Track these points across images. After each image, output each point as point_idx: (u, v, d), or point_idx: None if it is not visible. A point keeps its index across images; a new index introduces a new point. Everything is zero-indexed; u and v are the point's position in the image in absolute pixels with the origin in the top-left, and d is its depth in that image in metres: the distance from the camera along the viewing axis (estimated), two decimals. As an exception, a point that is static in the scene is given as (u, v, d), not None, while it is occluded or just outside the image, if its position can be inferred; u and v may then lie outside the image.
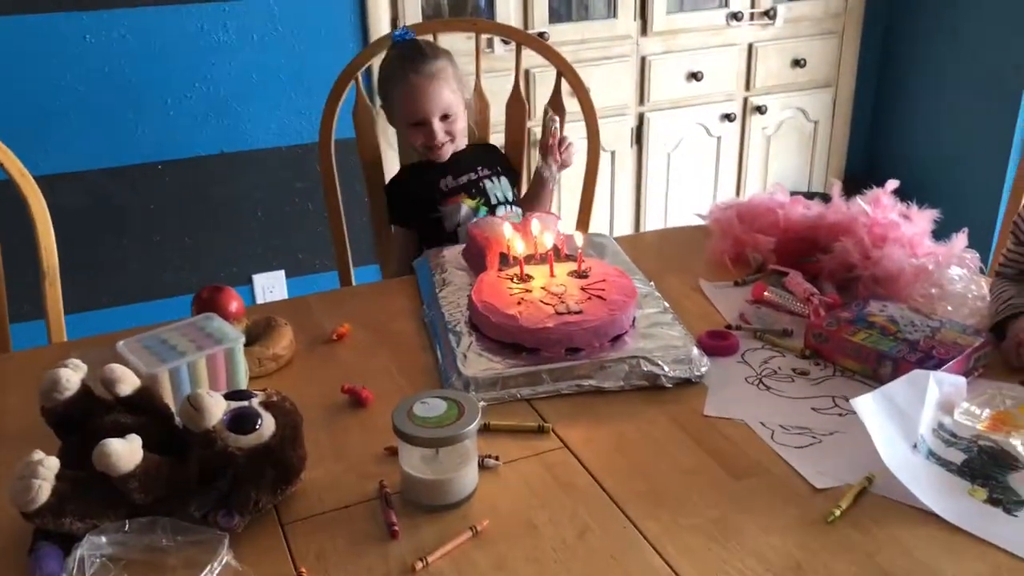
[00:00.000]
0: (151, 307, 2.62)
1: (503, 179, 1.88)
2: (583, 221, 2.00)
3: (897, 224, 1.46)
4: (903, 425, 1.08)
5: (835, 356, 1.28)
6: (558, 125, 1.81)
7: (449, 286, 1.46)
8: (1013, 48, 2.87)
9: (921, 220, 1.50)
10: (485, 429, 1.13)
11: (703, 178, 3.23)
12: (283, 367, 1.30)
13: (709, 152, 3.20)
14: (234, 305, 1.39)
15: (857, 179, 3.36)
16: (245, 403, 1.01)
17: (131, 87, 2.44)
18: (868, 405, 1.07)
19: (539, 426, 1.14)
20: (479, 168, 1.86)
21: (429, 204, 1.82)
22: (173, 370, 1.13)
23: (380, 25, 2.59)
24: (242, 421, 0.99)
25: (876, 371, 1.24)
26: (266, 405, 1.02)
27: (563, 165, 1.85)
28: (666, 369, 1.23)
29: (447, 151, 1.83)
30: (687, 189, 3.19)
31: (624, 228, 3.14)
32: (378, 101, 1.91)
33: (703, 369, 1.25)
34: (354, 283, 2.00)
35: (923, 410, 1.11)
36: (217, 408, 0.98)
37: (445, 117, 1.79)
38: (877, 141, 3.50)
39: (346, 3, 2.56)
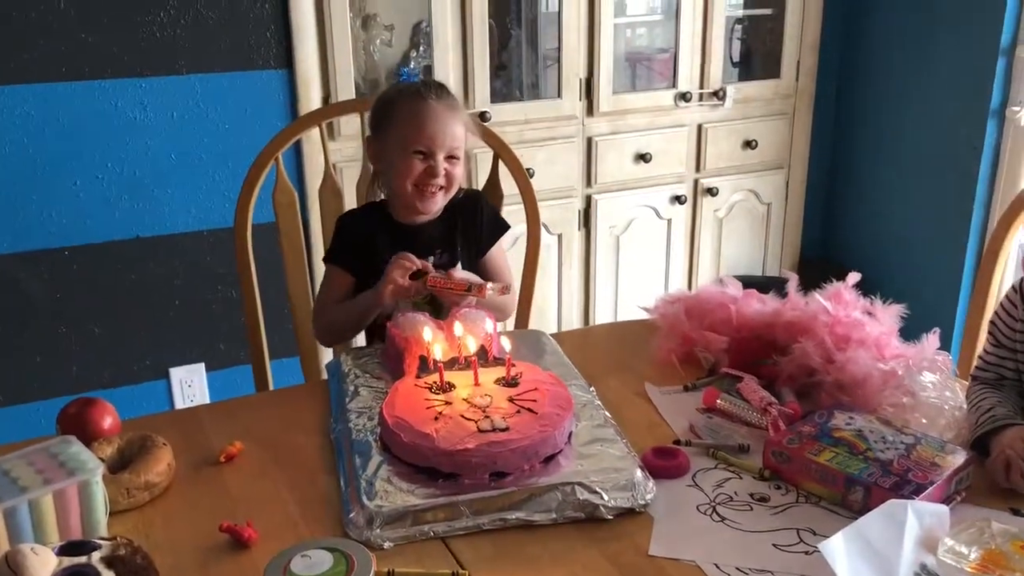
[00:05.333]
0: (55, 404, 2.39)
1: (458, 268, 1.57)
2: (522, 316, 1.83)
3: (862, 323, 1.32)
4: (880, 569, 0.92)
5: (798, 478, 1.12)
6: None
7: (361, 395, 1.28)
8: (968, 127, 2.81)
9: (887, 317, 1.36)
10: (388, 578, 0.95)
11: (653, 262, 3.10)
12: (157, 497, 1.11)
13: (659, 235, 3.07)
14: (108, 421, 1.21)
15: (812, 263, 3.28)
16: (83, 559, 0.83)
17: (37, 167, 2.25)
18: (839, 549, 0.91)
19: (453, 574, 0.96)
20: (438, 251, 1.59)
21: (375, 257, 1.55)
22: (9, 511, 0.94)
23: (311, 103, 2.45)
24: (74, 585, 0.80)
25: (845, 497, 1.08)
26: (111, 561, 0.84)
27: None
28: (606, 498, 1.06)
29: (438, 201, 1.56)
30: (637, 274, 3.06)
31: (572, 316, 2.99)
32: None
33: (648, 496, 1.08)
34: (270, 378, 1.81)
35: (903, 550, 0.95)
36: (43, 569, 0.80)
37: (450, 158, 1.54)
38: (832, 224, 3.41)
39: (275, 80, 2.42)
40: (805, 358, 1.30)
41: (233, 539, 1.02)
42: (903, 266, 3.07)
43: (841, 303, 1.36)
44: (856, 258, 3.25)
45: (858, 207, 3.30)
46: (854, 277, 1.41)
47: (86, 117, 2.27)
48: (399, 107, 1.54)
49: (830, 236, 3.43)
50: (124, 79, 2.27)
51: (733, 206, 3.17)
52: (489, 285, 1.45)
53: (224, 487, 1.14)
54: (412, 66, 2.72)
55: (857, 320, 1.33)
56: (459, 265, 1.58)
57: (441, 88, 1.57)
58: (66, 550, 0.83)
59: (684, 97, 2.94)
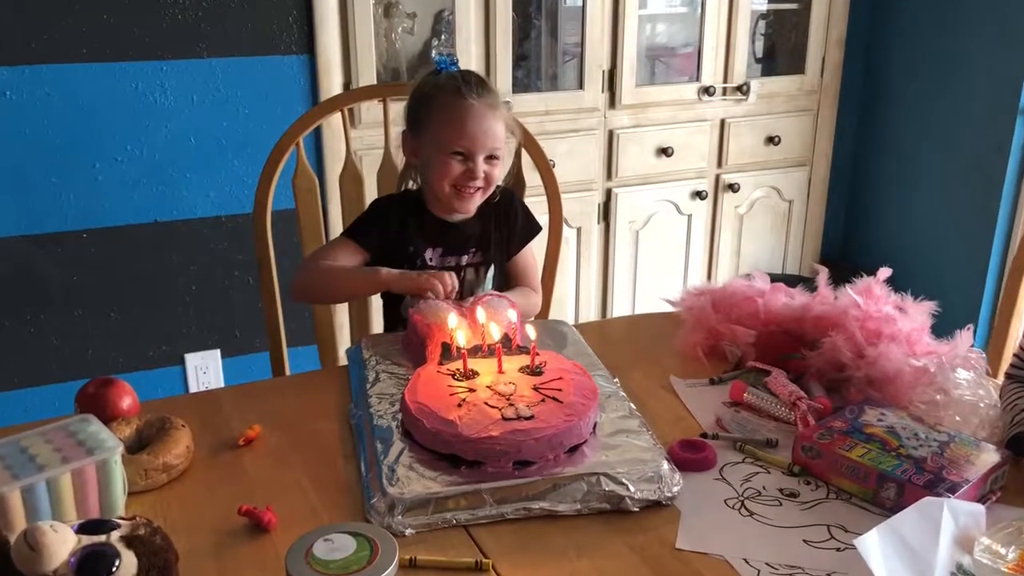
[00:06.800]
0: (70, 387, 2.38)
1: (489, 272, 1.60)
2: (542, 309, 1.81)
3: (893, 318, 1.29)
4: (916, 568, 0.89)
5: (828, 474, 1.10)
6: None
7: (382, 382, 1.26)
8: (995, 126, 2.77)
9: (918, 314, 1.33)
10: (410, 565, 0.93)
11: (673, 258, 3.07)
12: (175, 479, 1.09)
13: (679, 230, 3.05)
14: (126, 402, 1.19)
15: (833, 262, 3.24)
16: (102, 538, 0.81)
17: (56, 149, 2.25)
18: (873, 544, 0.88)
19: (476, 563, 0.94)
20: (472, 251, 1.57)
21: (404, 245, 1.54)
22: (27, 489, 0.92)
23: (332, 88, 2.44)
24: (93, 564, 0.78)
25: (877, 494, 1.05)
26: (129, 540, 0.82)
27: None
28: (632, 489, 1.04)
29: (476, 201, 1.53)
30: (656, 269, 3.03)
31: (590, 310, 2.97)
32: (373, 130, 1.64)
33: (675, 489, 1.06)
34: (287, 366, 1.80)
35: (938, 548, 0.92)
36: (62, 547, 0.78)
37: (490, 159, 1.50)
38: (854, 222, 3.38)
39: (295, 65, 2.40)
40: (835, 352, 1.27)
41: (252, 523, 1.00)
42: (926, 267, 3.04)
43: (872, 298, 1.34)
44: (878, 258, 3.21)
45: (881, 206, 3.26)
46: (885, 272, 1.38)
47: (106, 99, 2.26)
48: (438, 105, 1.49)
49: (851, 235, 3.39)
50: (145, 62, 2.27)
51: (754, 203, 3.14)
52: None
53: (242, 471, 1.12)
54: (437, 52, 2.69)
55: (888, 315, 1.30)
56: (491, 269, 1.60)
57: (481, 84, 1.50)
58: (85, 529, 0.82)
59: (707, 91, 2.91)
